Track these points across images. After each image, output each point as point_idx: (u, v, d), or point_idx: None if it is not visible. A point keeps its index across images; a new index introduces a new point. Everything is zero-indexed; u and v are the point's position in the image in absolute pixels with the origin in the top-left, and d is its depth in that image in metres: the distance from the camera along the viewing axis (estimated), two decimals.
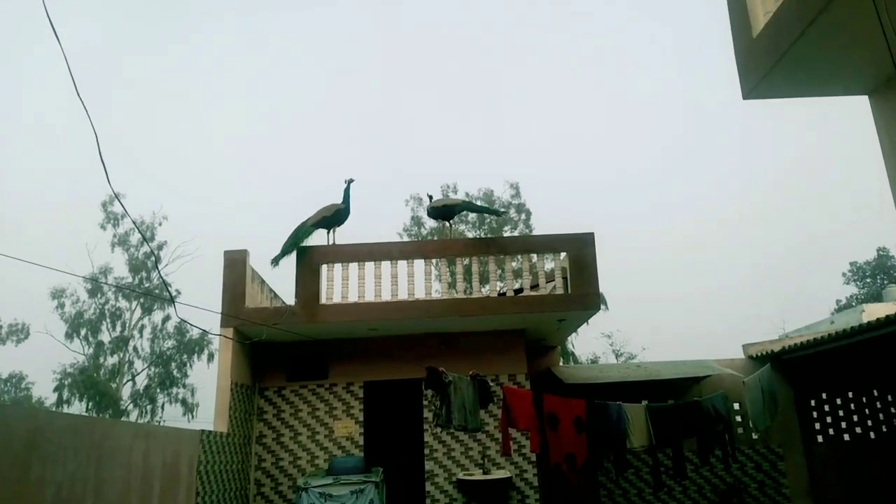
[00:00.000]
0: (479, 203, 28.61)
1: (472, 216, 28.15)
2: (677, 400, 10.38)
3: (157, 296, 29.49)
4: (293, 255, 9.87)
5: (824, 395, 11.77)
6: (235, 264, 9.77)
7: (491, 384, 8.47)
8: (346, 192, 10.34)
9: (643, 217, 51.43)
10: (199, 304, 7.06)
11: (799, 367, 11.80)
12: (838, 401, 11.73)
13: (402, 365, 9.97)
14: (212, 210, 47.12)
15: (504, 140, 52.85)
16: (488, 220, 27.93)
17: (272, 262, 9.91)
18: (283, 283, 12.36)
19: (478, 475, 9.80)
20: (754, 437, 11.65)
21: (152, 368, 30.01)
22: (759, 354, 12.07)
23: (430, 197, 11.12)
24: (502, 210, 26.53)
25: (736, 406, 11.35)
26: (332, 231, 10.23)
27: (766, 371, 10.24)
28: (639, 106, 58.15)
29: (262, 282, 10.80)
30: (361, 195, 10.83)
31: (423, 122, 57.86)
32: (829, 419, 11.68)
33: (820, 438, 11.65)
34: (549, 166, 51.00)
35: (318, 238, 10.23)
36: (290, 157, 56.16)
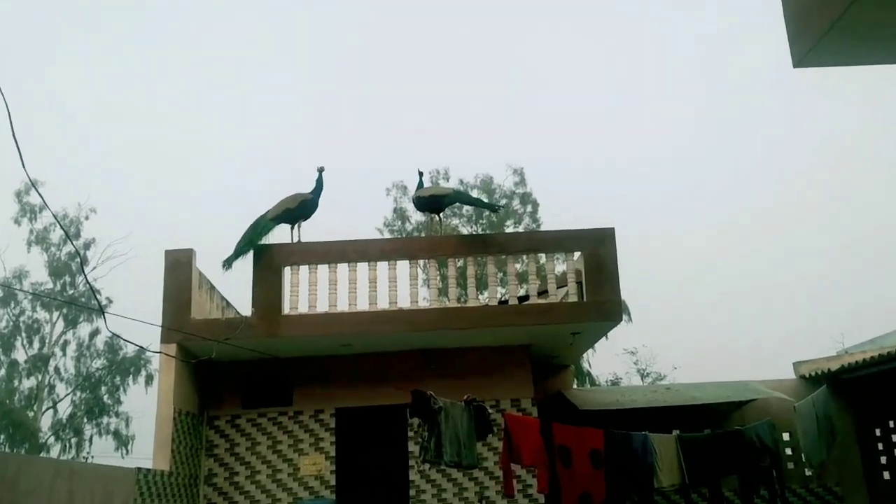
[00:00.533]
0: (474, 194, 28.61)
1: (467, 208, 28.22)
2: (715, 429, 10.43)
3: (83, 305, 29.34)
4: (249, 255, 9.86)
5: (892, 423, 11.86)
6: (179, 267, 9.74)
7: (490, 411, 8.49)
8: (319, 182, 10.40)
9: (673, 211, 51.63)
10: (136, 315, 7.03)
11: (861, 389, 11.89)
12: None
13: (383, 388, 9.96)
14: (152, 202, 46.91)
15: (507, 119, 52.96)
16: (487, 212, 28.00)
17: (224, 265, 9.88)
18: (237, 289, 12.29)
19: None
20: (807, 473, 11.72)
21: (78, 393, 29.85)
22: (814, 374, 12.14)
23: (420, 174, 11.10)
24: (499, 205, 26.47)
25: (785, 436, 11.42)
26: (297, 226, 10.23)
27: (822, 394, 10.31)
28: (667, 80, 58.39)
29: (212, 288, 10.75)
30: (335, 183, 10.88)
31: (410, 98, 57.73)
32: None
33: (886, 475, 11.73)
34: (561, 150, 51.07)
35: (281, 235, 10.23)
36: (250, 141, 56.05)
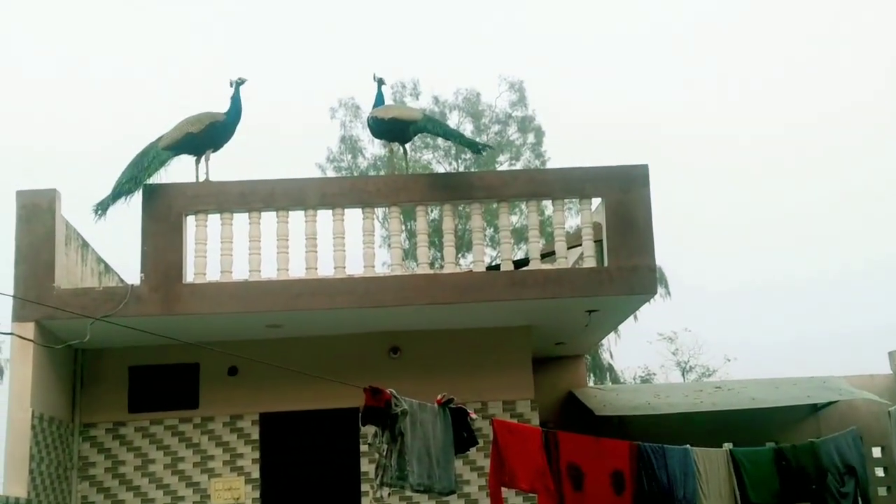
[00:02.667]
0: (454, 119, 28.41)
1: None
2: (780, 442, 10.61)
3: None
4: (136, 197, 9.76)
5: None
6: (38, 215, 9.59)
7: (474, 416, 8.55)
8: (235, 98, 10.31)
9: (739, 149, 51.83)
10: None
11: None
12: None
13: (325, 386, 9.98)
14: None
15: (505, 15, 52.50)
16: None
17: (96, 210, 9.78)
18: (121, 247, 12.22)
19: None
20: None
21: None
22: None
23: (380, 83, 10.86)
24: (486, 144, 25.88)
25: (876, 452, 11.63)
26: (204, 158, 10.14)
27: None
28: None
29: (85, 245, 10.66)
30: (258, 102, 10.77)
31: None
32: None
33: None
34: (580, 60, 50.85)
35: (182, 171, 10.17)
36: (141, 51, 55.18)
